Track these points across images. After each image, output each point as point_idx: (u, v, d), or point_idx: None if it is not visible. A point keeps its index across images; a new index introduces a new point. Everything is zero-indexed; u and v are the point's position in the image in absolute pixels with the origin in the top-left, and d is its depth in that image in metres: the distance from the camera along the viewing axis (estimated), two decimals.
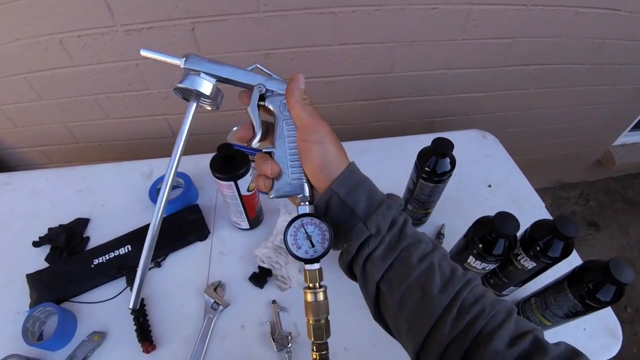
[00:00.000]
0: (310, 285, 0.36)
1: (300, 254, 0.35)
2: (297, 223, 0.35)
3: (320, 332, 0.35)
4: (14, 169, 1.20)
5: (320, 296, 0.35)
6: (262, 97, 0.37)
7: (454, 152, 0.66)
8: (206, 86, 0.34)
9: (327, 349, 0.36)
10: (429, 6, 0.88)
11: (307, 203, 0.36)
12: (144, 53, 0.34)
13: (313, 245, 0.35)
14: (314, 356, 0.35)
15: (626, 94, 1.32)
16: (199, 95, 0.35)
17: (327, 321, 0.36)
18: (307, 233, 0.35)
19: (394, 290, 0.33)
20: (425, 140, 0.71)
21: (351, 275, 0.38)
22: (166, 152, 0.35)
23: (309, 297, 0.35)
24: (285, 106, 0.37)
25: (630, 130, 1.63)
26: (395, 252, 0.34)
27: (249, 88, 0.37)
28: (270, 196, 0.36)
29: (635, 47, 1.11)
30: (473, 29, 0.95)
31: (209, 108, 0.40)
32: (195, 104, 0.35)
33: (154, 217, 0.33)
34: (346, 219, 0.35)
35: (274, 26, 0.86)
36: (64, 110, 1.02)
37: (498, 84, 1.13)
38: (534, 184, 0.91)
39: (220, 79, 0.36)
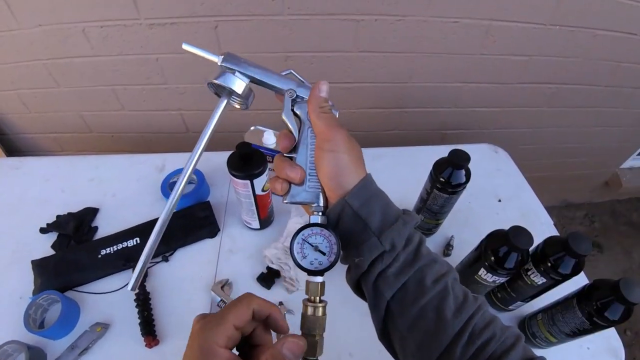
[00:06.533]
0: (311, 298, 0.34)
1: (304, 264, 0.34)
2: (306, 232, 0.34)
3: (313, 349, 0.33)
4: (24, 154, 1.20)
5: (320, 312, 0.34)
6: (292, 103, 0.37)
7: None
8: (239, 85, 0.36)
9: None
10: (451, 19, 0.89)
11: (320, 213, 0.36)
12: (186, 47, 0.36)
13: (320, 257, 0.34)
14: None
15: (637, 117, 1.32)
16: (231, 92, 0.36)
17: (322, 338, 0.34)
18: (315, 244, 0.34)
19: (406, 310, 0.32)
20: (438, 150, 0.71)
21: (358, 291, 0.37)
22: (179, 147, 0.35)
23: (308, 311, 0.34)
24: None
25: (639, 154, 1.63)
26: (410, 272, 0.33)
27: (280, 93, 0.38)
28: (285, 201, 0.36)
29: None
30: (492, 44, 0.95)
31: (237, 106, 0.40)
32: (226, 101, 0.37)
33: (168, 203, 0.33)
34: (358, 232, 0.34)
35: (297, 29, 0.87)
36: (81, 99, 1.02)
37: (512, 101, 1.14)
38: (540, 201, 0.92)
39: (253, 80, 0.37)
